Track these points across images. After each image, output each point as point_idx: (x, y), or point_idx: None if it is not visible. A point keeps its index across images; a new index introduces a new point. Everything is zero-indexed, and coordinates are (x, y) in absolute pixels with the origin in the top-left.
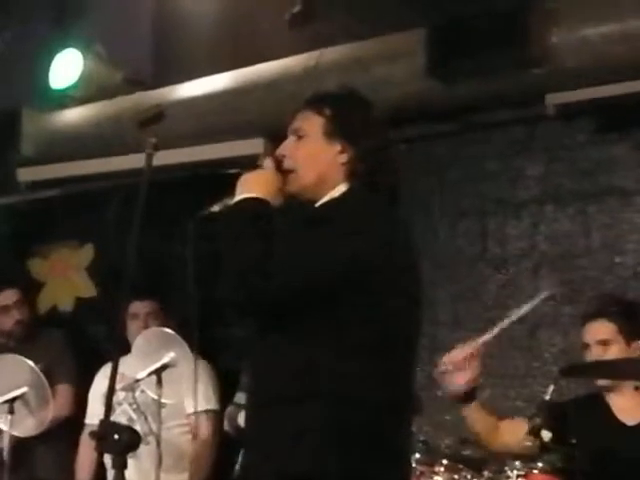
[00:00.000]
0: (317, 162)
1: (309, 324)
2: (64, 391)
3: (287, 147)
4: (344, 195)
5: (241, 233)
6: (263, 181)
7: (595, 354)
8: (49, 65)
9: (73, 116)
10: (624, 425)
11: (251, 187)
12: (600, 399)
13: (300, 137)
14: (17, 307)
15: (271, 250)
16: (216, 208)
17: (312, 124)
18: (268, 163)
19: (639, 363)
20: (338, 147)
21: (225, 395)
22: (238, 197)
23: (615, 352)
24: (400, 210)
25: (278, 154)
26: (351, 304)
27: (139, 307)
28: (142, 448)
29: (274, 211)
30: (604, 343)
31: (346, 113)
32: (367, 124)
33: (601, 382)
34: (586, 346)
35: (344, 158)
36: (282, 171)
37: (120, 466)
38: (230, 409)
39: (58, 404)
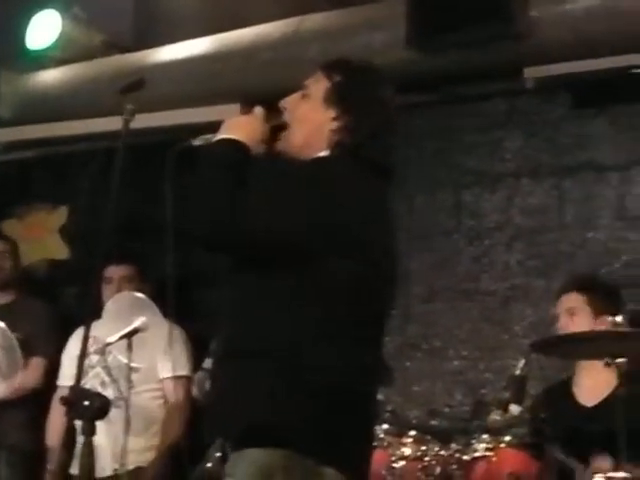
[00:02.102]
0: (308, 123)
1: (281, 283)
2: (37, 364)
3: (290, 100)
4: (325, 156)
5: (215, 171)
6: (248, 126)
7: (563, 322)
8: (27, 26)
9: (50, 77)
10: (584, 407)
11: (235, 129)
12: (565, 386)
13: (305, 95)
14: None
15: (240, 193)
16: (196, 142)
17: (318, 86)
18: (259, 111)
19: (609, 335)
20: (332, 114)
21: (194, 361)
22: (219, 136)
23: (581, 321)
24: (384, 185)
25: (280, 105)
26: (320, 266)
27: (114, 271)
28: (114, 411)
29: (252, 155)
30: (571, 312)
31: (352, 84)
32: (370, 100)
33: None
34: (556, 318)
35: (334, 125)
36: (273, 125)
37: (89, 432)
38: (199, 375)
39: (29, 375)
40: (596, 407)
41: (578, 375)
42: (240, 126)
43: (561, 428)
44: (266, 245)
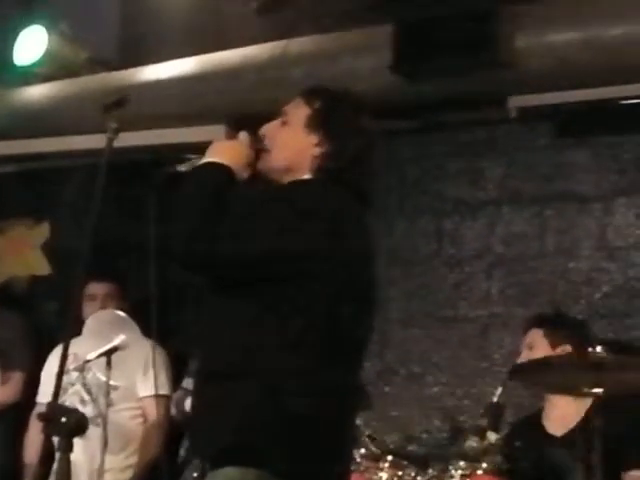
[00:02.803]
0: (291, 149)
1: (254, 304)
2: (15, 378)
3: (269, 127)
4: (306, 179)
5: (196, 192)
6: (233, 150)
7: (522, 356)
8: (13, 41)
9: (35, 93)
10: (553, 437)
11: (220, 154)
12: (536, 417)
13: (285, 122)
14: None
15: (219, 216)
16: (182, 168)
17: (298, 112)
18: (244, 136)
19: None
20: (315, 140)
21: (173, 380)
22: (204, 160)
23: (539, 353)
24: (365, 210)
25: (260, 133)
26: (301, 286)
27: (97, 288)
28: (92, 429)
29: (236, 180)
30: (530, 346)
31: (333, 110)
32: (351, 126)
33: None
34: (520, 356)
35: (317, 151)
36: (258, 149)
37: (66, 449)
38: (177, 394)
39: (7, 390)
40: (564, 436)
41: (548, 406)
42: (225, 150)
43: (532, 457)
44: (240, 268)
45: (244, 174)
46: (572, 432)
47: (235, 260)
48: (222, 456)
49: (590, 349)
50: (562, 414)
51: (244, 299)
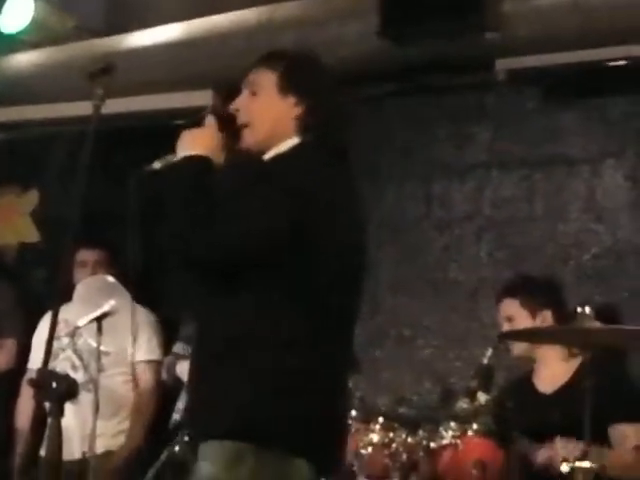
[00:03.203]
0: (271, 116)
1: (252, 282)
2: (7, 346)
3: (241, 101)
4: (291, 151)
5: (183, 195)
6: (205, 138)
7: (504, 330)
8: (0, 9)
9: (22, 61)
10: (543, 394)
11: (192, 144)
12: (526, 378)
13: (254, 93)
14: None
15: (214, 209)
16: (157, 165)
17: (266, 79)
18: (210, 120)
19: (570, 329)
20: (292, 100)
21: (164, 345)
22: (180, 155)
23: (520, 325)
24: (349, 167)
25: (232, 108)
26: (293, 262)
27: (88, 255)
28: (83, 395)
29: (216, 168)
30: (509, 319)
31: (299, 69)
32: (320, 80)
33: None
34: (500, 326)
35: (297, 111)
36: (233, 126)
37: (57, 414)
38: (168, 359)
39: (1, 357)
40: (554, 394)
41: (538, 366)
42: (197, 140)
43: (523, 416)
44: (245, 253)
45: (220, 158)
46: (561, 389)
47: (233, 249)
48: (218, 431)
49: (579, 309)
50: (552, 373)
51: (238, 283)
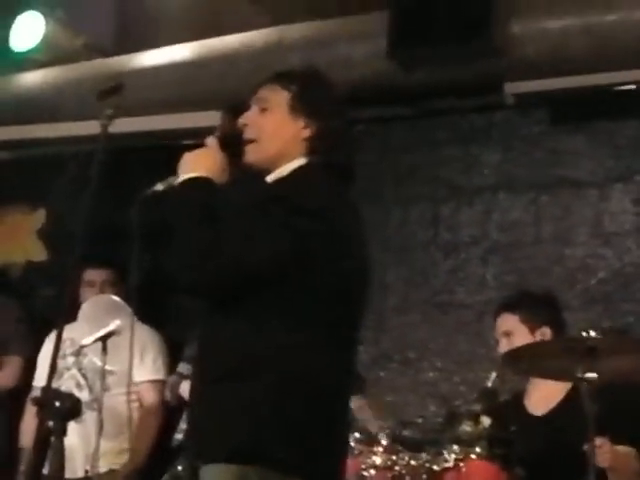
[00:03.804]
0: (281, 135)
1: (255, 303)
2: (13, 363)
3: (250, 117)
4: (296, 172)
5: (188, 217)
6: (207, 159)
7: (502, 346)
8: (10, 27)
9: (32, 80)
10: (534, 416)
11: (195, 166)
12: (517, 400)
13: (264, 109)
14: None
15: (218, 234)
16: (160, 187)
17: (278, 98)
18: (212, 141)
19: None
20: (302, 123)
21: (168, 365)
22: (182, 177)
23: (519, 340)
24: (352, 191)
25: (240, 122)
26: (297, 284)
27: (95, 275)
28: (88, 414)
29: (218, 189)
30: (508, 334)
31: (312, 91)
32: (330, 103)
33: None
34: (496, 341)
35: (306, 134)
36: (237, 147)
37: (60, 432)
38: (172, 378)
39: (5, 375)
40: (545, 416)
41: (530, 388)
42: (198, 161)
43: (514, 438)
44: (245, 280)
45: (222, 179)
46: (552, 412)
47: (239, 275)
48: (219, 454)
49: (584, 334)
50: (544, 395)
51: (242, 304)
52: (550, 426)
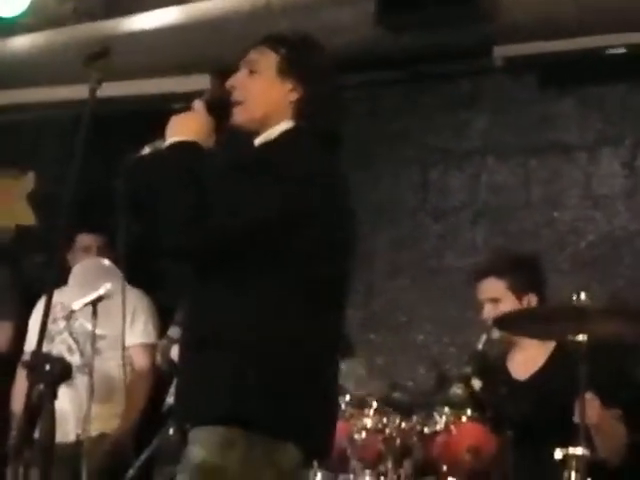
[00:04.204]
0: (267, 97)
1: (240, 268)
2: (4, 328)
3: (238, 79)
4: (284, 136)
5: (174, 181)
6: (194, 123)
7: (487, 312)
8: None
9: (20, 44)
10: (517, 381)
11: (182, 130)
12: (499, 364)
13: (253, 71)
14: None
15: (205, 197)
16: (146, 150)
17: (267, 60)
18: (198, 105)
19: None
20: (289, 85)
21: (159, 329)
22: (169, 141)
23: (506, 308)
24: (339, 156)
25: (228, 85)
26: (281, 249)
27: (90, 240)
28: (79, 378)
29: (206, 153)
30: (494, 301)
31: (301, 54)
32: (319, 68)
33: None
34: (480, 304)
35: (293, 97)
36: (225, 110)
37: (50, 396)
38: (163, 342)
39: None
40: (527, 381)
41: (513, 350)
42: (185, 125)
43: (496, 402)
44: (230, 244)
45: (209, 143)
46: (535, 376)
47: (225, 239)
48: (209, 419)
49: (575, 297)
50: (526, 358)
51: (228, 267)
52: (534, 391)
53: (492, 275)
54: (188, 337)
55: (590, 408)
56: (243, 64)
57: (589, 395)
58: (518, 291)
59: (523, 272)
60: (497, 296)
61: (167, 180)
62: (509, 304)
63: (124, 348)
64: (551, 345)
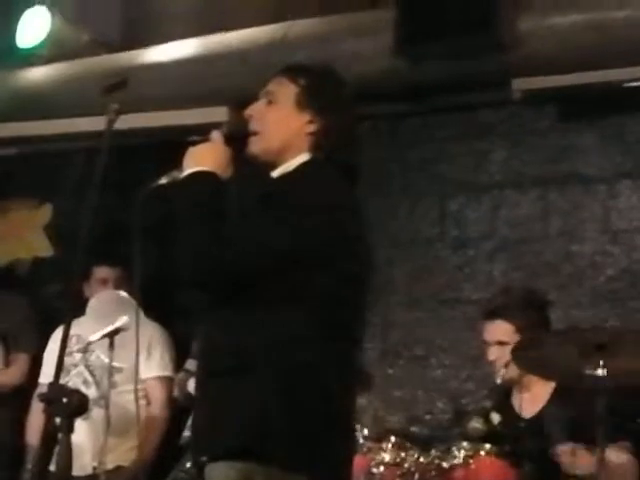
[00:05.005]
0: (285, 128)
1: (260, 298)
2: (21, 360)
3: (256, 109)
4: (301, 168)
5: (192, 212)
6: (212, 153)
7: (494, 353)
8: (16, 23)
9: (38, 75)
10: (523, 419)
11: (199, 160)
12: (505, 400)
13: (271, 102)
14: None
15: (221, 229)
16: (163, 181)
17: (285, 91)
18: (216, 135)
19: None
20: (307, 117)
21: (176, 361)
22: (186, 171)
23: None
24: (357, 189)
25: (246, 114)
26: (298, 281)
27: (109, 272)
28: (95, 411)
29: (224, 184)
30: (502, 344)
31: (320, 86)
32: (338, 100)
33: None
34: (486, 344)
35: (311, 129)
36: (243, 137)
37: (67, 430)
38: (180, 375)
39: (12, 372)
40: (532, 419)
41: (519, 387)
42: (203, 155)
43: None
44: (249, 277)
45: (227, 174)
46: (539, 414)
47: (241, 272)
48: (225, 453)
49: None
50: (532, 396)
51: (246, 299)
52: (536, 429)
53: (502, 318)
54: (204, 367)
55: (581, 458)
56: (262, 94)
57: (565, 447)
58: (525, 332)
59: (533, 313)
60: (505, 340)
61: (183, 211)
62: None
63: (137, 381)
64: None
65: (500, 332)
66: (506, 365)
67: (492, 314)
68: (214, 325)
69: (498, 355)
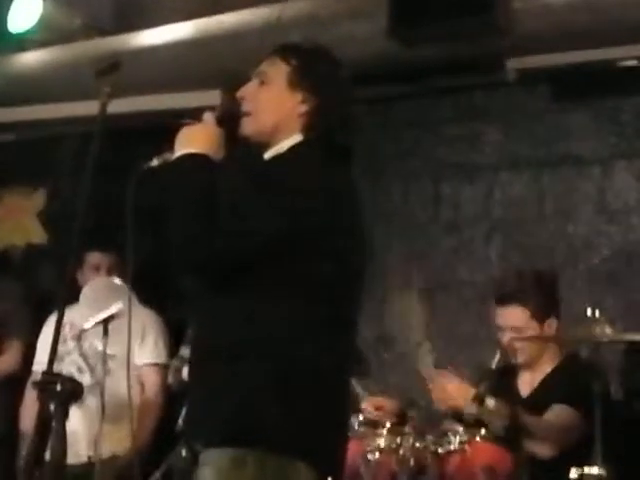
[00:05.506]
0: (277, 109)
1: (253, 284)
2: (13, 347)
3: (248, 90)
4: (294, 149)
5: (183, 195)
6: (204, 135)
7: (509, 340)
8: (7, 8)
9: (30, 60)
10: (520, 397)
11: (191, 142)
12: (510, 379)
13: (263, 82)
14: None
15: (213, 211)
16: (155, 163)
17: (277, 71)
18: (208, 117)
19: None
20: (299, 97)
21: (170, 348)
22: (178, 153)
23: (528, 335)
24: (350, 169)
25: (238, 96)
26: (293, 265)
27: (101, 258)
28: (90, 398)
29: (215, 165)
30: (518, 330)
31: (313, 65)
32: (332, 80)
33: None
34: (500, 328)
35: (303, 109)
36: (235, 118)
37: (61, 416)
38: (175, 362)
39: (5, 359)
40: (528, 397)
41: (524, 366)
42: (195, 137)
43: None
44: (242, 261)
45: (219, 155)
46: (534, 392)
47: (234, 255)
48: (218, 439)
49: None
50: (533, 375)
51: (238, 284)
52: (532, 407)
53: (517, 303)
54: (197, 354)
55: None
56: (254, 75)
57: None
58: (541, 318)
59: (546, 296)
60: (521, 325)
61: (175, 193)
62: (531, 332)
63: (129, 367)
64: (552, 364)
65: (515, 318)
66: (519, 350)
67: (506, 299)
68: (207, 311)
69: (513, 339)
